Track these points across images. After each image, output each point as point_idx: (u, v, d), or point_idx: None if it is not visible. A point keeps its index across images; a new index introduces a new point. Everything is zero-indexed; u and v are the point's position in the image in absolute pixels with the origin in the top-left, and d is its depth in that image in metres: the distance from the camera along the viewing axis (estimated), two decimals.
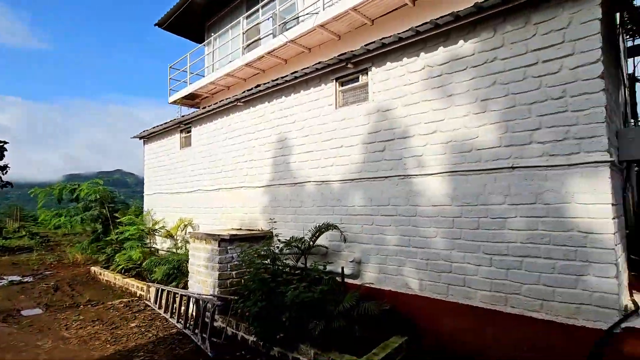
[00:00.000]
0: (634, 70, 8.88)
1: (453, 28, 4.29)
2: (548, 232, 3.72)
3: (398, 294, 4.81)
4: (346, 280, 5.24)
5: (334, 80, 5.57)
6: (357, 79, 5.36)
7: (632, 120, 9.93)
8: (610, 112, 3.91)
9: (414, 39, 4.55)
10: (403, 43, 4.65)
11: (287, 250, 5.42)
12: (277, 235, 6.11)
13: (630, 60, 8.82)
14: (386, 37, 4.67)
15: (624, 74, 7.46)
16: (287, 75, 5.84)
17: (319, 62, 5.37)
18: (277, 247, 5.48)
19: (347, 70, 5.35)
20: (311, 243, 5.30)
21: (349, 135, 5.36)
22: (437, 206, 4.49)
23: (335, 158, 5.52)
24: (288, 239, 5.42)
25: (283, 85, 6.16)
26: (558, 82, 3.68)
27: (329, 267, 5.27)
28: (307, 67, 5.52)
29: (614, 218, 3.46)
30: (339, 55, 5.14)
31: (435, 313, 4.47)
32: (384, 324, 4.63)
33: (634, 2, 6.30)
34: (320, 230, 5.25)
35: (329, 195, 5.60)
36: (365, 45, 4.84)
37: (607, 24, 4.30)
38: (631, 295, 3.95)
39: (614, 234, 3.42)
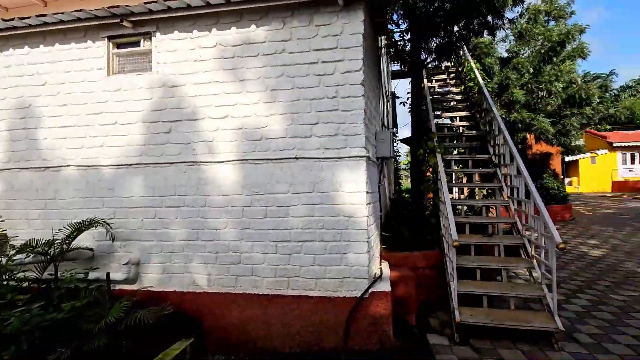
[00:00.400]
0: (395, 89, 11.64)
1: (246, 10, 4.12)
2: (322, 218, 4.12)
3: (185, 293, 4.33)
4: (121, 287, 4.32)
5: (107, 39, 4.42)
6: (138, 43, 4.44)
7: (395, 129, 13.09)
8: (370, 116, 4.71)
9: (204, 11, 4.09)
10: (193, 12, 4.11)
11: (28, 258, 3.96)
12: (13, 239, 4.40)
13: (393, 81, 11.46)
14: (173, 1, 4.01)
15: (387, 90, 9.52)
16: (29, 18, 4.21)
17: (81, 10, 4.10)
18: (7, 255, 3.92)
19: (125, 29, 4.33)
20: (65, 246, 4.05)
21: (126, 110, 4.38)
22: (228, 195, 4.27)
23: (107, 137, 4.42)
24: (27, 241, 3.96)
25: (25, 31, 4.42)
26: (333, 82, 4.09)
27: (94, 274, 4.20)
28: (63, 13, 4.12)
29: (368, 203, 4.15)
30: (111, 7, 4.07)
31: (224, 307, 4.26)
32: (168, 330, 4.06)
33: (394, 34, 8.11)
34: (79, 229, 4.08)
35: (98, 183, 4.45)
36: (146, 3, 4.02)
37: (372, 41, 5.17)
38: (380, 264, 4.96)
39: (367, 216, 4.10)
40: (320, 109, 4.11)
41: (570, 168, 29.17)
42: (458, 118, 8.31)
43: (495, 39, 10.86)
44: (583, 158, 27.89)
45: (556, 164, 14.73)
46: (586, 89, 11.61)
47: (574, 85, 12.09)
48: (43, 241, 3.95)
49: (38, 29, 4.37)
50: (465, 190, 8.74)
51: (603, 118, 22.23)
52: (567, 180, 28.76)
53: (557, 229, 4.13)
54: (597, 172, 27.86)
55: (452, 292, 4.38)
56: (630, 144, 26.94)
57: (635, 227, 10.84)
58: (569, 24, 11.71)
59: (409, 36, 7.50)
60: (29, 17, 4.19)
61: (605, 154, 27.66)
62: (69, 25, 4.30)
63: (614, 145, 27.32)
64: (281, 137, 4.17)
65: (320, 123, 4.11)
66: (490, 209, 7.20)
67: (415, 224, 6.33)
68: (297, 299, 4.16)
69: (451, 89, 9.87)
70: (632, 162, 27.83)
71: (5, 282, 3.73)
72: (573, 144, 11.72)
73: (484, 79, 8.10)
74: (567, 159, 28.40)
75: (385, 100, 8.72)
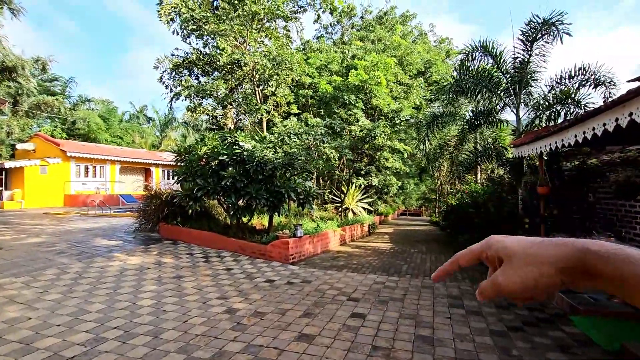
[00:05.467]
0: None
1: None
2: None
3: None
4: None
5: None
6: None
7: None
8: None
9: None
10: None
11: None
12: None
13: None
14: None
15: None
16: None
17: None
18: None
19: None
20: None
21: None
22: None
23: None
24: None
25: None
26: None
27: None
28: None
29: None
30: None
31: None
32: None
33: None
34: None
35: None
36: None
37: None
38: None
39: None
40: None
41: (14, 177, 22.53)
42: None
43: None
44: (31, 166, 22.39)
45: None
46: None
47: None
48: None
49: None
50: None
51: (38, 105, 18.24)
52: (7, 193, 21.74)
53: None
54: (48, 184, 23.42)
55: None
56: (85, 155, 25.35)
57: (62, 266, 7.04)
58: None
59: None
60: None
61: (59, 163, 24.04)
62: None
63: (69, 154, 24.43)
64: None
65: None
66: None
67: None
68: None
69: None
70: (87, 174, 26.45)
71: None
72: None
73: None
74: (9, 164, 21.57)
75: None
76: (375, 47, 17.45)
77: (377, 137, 11.20)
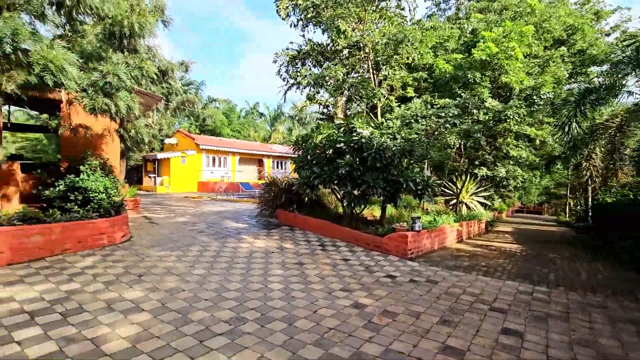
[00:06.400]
0: None
1: None
2: None
3: None
4: None
5: None
6: None
7: None
8: None
9: None
10: None
11: None
12: None
13: None
14: None
15: None
16: None
17: None
18: None
19: None
20: None
21: None
22: None
23: None
24: None
25: None
26: None
27: None
28: None
29: None
30: None
31: None
32: None
33: None
34: None
35: None
36: None
37: None
38: None
39: None
40: None
41: (163, 166, 27.27)
42: None
43: None
44: (174, 157, 26.73)
45: (110, 151, 9.96)
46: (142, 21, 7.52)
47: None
48: None
49: None
50: None
51: (183, 102, 21.28)
52: (159, 179, 26.45)
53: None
54: (186, 172, 27.72)
55: None
56: (213, 147, 29.10)
57: (203, 244, 7.88)
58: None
59: None
60: None
61: (194, 154, 28.16)
62: None
63: (201, 147, 28.39)
64: None
65: None
66: None
67: None
68: None
69: None
70: (214, 164, 30.31)
71: None
72: (118, 111, 7.15)
73: None
74: (160, 156, 26.16)
75: None
76: (501, 17, 15.02)
77: (508, 120, 9.53)
